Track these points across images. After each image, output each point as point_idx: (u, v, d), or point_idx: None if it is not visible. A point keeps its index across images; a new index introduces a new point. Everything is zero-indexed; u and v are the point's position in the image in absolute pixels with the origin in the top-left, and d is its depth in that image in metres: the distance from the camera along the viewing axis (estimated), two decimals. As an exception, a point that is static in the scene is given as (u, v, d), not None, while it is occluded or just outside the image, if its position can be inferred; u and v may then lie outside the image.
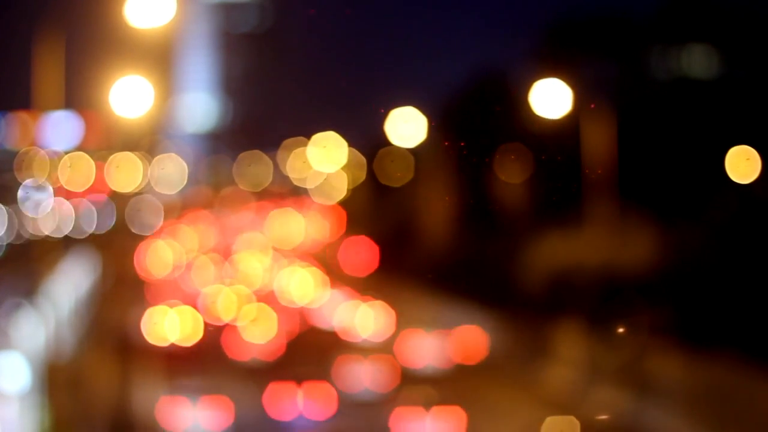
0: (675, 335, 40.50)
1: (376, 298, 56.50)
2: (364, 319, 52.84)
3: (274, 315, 55.05)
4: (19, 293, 55.80)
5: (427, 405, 34.81)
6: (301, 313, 57.88)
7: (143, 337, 51.30)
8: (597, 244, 49.42)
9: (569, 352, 49.66)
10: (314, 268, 75.18)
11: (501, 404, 42.35)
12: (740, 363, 34.81)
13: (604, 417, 40.67)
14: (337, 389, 39.31)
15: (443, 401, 35.28)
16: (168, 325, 53.77)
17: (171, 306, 58.85)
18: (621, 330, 44.94)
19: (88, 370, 42.40)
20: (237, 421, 35.66)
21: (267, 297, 61.86)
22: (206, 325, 54.33)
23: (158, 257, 77.70)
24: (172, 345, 50.70)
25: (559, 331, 50.71)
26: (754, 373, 34.15)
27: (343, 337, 50.33)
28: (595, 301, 44.77)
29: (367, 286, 67.30)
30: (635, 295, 43.88)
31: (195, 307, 58.92)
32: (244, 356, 47.98)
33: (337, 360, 42.63)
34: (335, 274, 73.70)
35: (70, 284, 53.29)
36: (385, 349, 46.56)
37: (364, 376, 39.72)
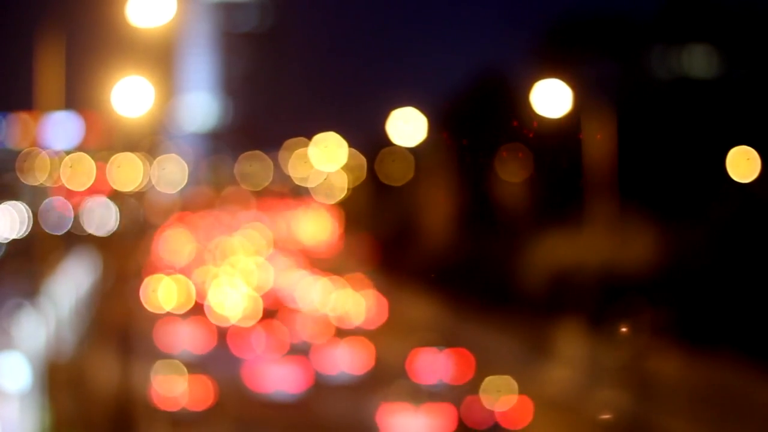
0: (675, 335, 40.55)
1: (371, 288, 62.47)
2: (357, 307, 58.34)
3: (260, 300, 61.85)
4: (20, 292, 55.89)
5: None
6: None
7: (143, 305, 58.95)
8: (597, 243, 49.48)
9: (570, 351, 49.72)
10: (313, 268, 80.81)
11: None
12: (739, 362, 34.85)
13: (606, 416, 40.71)
14: (314, 367, 43.28)
15: None
16: (164, 295, 61.17)
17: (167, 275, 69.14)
18: (622, 330, 44.99)
19: (89, 369, 42.48)
20: (220, 394, 39.03)
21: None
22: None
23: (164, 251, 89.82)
24: (168, 313, 56.61)
25: (559, 330, 50.75)
26: (753, 372, 34.21)
27: (336, 323, 55.00)
28: (595, 300, 44.80)
29: (364, 279, 74.02)
30: (636, 294, 43.91)
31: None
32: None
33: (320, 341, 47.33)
34: (328, 267, 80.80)
35: (71, 283, 53.42)
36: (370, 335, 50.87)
37: (344, 358, 44.10)
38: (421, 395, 36.40)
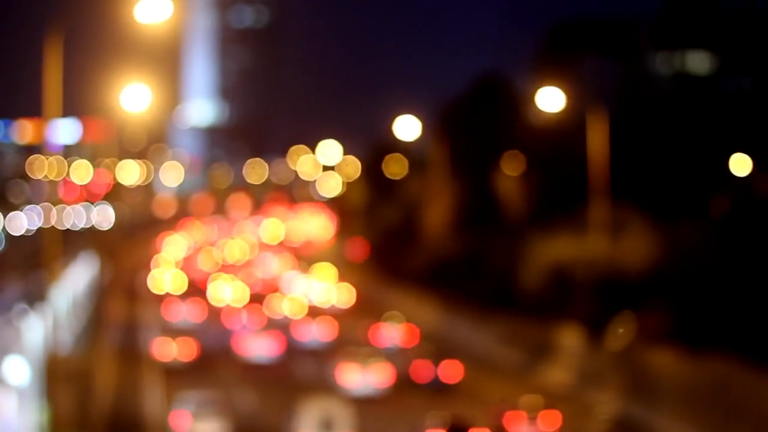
0: (674, 334, 40.63)
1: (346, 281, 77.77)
2: (331, 293, 74.60)
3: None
4: (20, 291, 55.95)
5: None
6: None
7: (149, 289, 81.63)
8: (597, 244, 49.56)
9: (568, 351, 49.83)
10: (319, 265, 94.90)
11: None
12: (737, 361, 34.91)
13: (604, 416, 40.80)
14: (289, 337, 55.75)
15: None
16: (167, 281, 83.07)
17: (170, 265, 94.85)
18: (620, 330, 45.10)
19: (89, 367, 42.74)
20: (210, 354, 52.67)
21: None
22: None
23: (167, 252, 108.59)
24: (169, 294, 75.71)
25: (557, 330, 50.89)
26: (750, 371, 34.27)
27: (311, 305, 70.84)
28: (594, 300, 44.89)
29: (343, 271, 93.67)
30: (635, 295, 44.01)
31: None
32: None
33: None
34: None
35: (72, 281, 53.56)
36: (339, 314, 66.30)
37: (314, 331, 57.11)
38: (369, 356, 45.91)
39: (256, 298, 72.72)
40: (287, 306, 67.48)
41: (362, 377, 43.64)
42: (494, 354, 55.45)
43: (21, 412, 33.53)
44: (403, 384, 44.92)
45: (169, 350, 49.61)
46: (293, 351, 53.60)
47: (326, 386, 43.45)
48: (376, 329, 56.98)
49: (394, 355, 49.35)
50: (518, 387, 44.81)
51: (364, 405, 40.05)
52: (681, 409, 38.66)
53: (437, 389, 44.39)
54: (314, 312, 65.46)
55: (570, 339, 49.26)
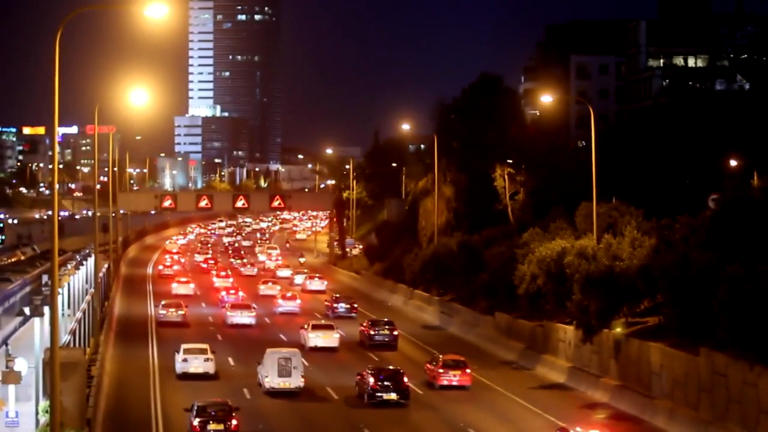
0: (672, 330, 40.82)
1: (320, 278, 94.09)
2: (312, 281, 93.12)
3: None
4: (24, 291, 56.21)
5: None
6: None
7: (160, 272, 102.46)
8: (595, 242, 49.79)
9: (565, 348, 50.06)
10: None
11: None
12: (735, 357, 35.12)
13: (601, 416, 41.04)
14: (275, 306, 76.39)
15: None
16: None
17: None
18: (618, 329, 45.31)
19: (93, 366, 43.00)
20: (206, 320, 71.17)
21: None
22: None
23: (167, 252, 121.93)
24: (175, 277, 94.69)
25: (555, 328, 51.09)
26: (743, 364, 34.47)
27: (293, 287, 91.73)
28: (592, 298, 45.05)
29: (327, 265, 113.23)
30: (633, 292, 44.14)
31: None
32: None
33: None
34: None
35: (75, 281, 53.73)
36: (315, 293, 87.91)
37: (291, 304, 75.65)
38: (326, 321, 64.91)
39: (248, 280, 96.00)
40: (271, 286, 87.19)
41: (317, 337, 58.24)
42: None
43: (24, 408, 33.90)
44: (351, 344, 60.34)
45: (166, 312, 67.86)
46: (273, 314, 73.73)
47: (291, 343, 57.32)
48: (332, 303, 73.30)
49: (344, 322, 68.06)
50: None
51: (319, 356, 55.65)
52: (679, 401, 38.93)
53: (377, 347, 58.57)
54: (290, 290, 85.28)
55: (567, 336, 49.54)
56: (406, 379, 44.64)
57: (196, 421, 36.52)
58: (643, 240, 46.29)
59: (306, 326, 59.19)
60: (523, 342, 54.90)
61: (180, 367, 48.97)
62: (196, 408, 37.07)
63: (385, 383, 44.13)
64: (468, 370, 47.49)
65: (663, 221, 48.96)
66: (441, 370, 47.57)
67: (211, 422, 36.47)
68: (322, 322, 63.36)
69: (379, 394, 43.95)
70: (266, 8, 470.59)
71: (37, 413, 33.65)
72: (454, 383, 47.19)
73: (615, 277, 44.74)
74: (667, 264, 40.75)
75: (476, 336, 61.38)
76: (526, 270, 53.60)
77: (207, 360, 49.35)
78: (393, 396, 43.86)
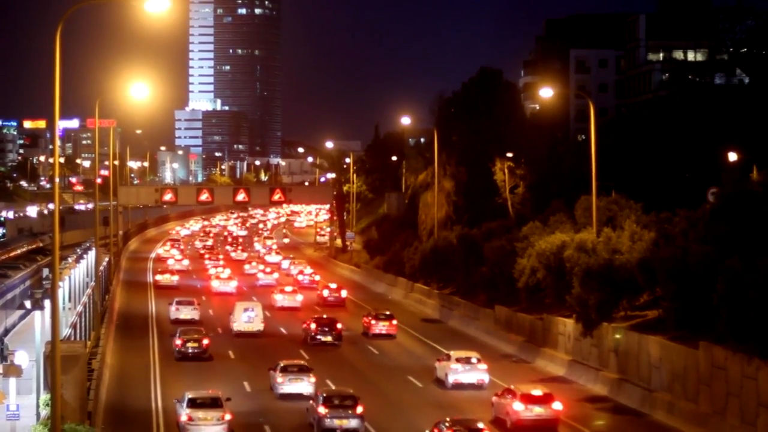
0: (671, 323, 40.90)
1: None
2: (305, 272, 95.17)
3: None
4: (25, 285, 56.39)
5: None
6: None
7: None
8: (594, 236, 49.83)
9: (564, 342, 50.19)
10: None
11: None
12: (734, 351, 35.24)
13: (600, 422, 41.11)
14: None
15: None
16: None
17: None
18: (618, 335, 45.32)
19: (94, 359, 43.10)
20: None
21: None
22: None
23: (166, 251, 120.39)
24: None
25: (554, 322, 51.24)
26: (741, 357, 34.60)
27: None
28: (592, 291, 45.12)
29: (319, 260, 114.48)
30: (632, 285, 44.23)
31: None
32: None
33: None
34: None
35: (76, 276, 53.82)
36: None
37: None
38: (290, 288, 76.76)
39: (238, 263, 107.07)
40: (254, 266, 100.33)
41: (284, 298, 73.71)
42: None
43: (24, 401, 34.01)
44: (311, 303, 75.15)
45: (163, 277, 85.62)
46: (251, 288, 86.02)
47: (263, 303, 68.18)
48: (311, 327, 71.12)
49: (306, 287, 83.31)
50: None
51: (284, 312, 70.65)
52: (678, 396, 39.06)
53: (330, 305, 73.30)
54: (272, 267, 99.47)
55: (567, 331, 49.69)
56: (339, 326, 57.82)
57: (184, 414, 36.39)
58: (642, 233, 46.51)
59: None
60: (522, 335, 55.20)
61: (173, 314, 63.81)
62: (187, 399, 36.99)
63: (324, 329, 57.38)
64: (394, 322, 60.40)
65: (662, 215, 49.07)
66: (373, 321, 60.59)
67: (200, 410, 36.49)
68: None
69: (318, 336, 57.11)
70: (266, 2, 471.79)
71: (37, 406, 33.75)
72: (383, 332, 59.91)
73: (614, 271, 44.91)
74: (667, 257, 40.90)
75: (476, 329, 61.75)
76: (525, 263, 53.86)
77: (194, 309, 64.52)
78: (329, 338, 57.09)
